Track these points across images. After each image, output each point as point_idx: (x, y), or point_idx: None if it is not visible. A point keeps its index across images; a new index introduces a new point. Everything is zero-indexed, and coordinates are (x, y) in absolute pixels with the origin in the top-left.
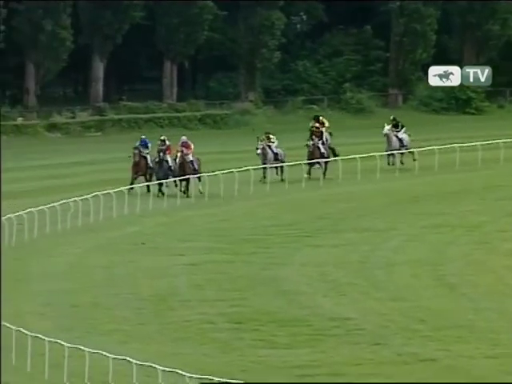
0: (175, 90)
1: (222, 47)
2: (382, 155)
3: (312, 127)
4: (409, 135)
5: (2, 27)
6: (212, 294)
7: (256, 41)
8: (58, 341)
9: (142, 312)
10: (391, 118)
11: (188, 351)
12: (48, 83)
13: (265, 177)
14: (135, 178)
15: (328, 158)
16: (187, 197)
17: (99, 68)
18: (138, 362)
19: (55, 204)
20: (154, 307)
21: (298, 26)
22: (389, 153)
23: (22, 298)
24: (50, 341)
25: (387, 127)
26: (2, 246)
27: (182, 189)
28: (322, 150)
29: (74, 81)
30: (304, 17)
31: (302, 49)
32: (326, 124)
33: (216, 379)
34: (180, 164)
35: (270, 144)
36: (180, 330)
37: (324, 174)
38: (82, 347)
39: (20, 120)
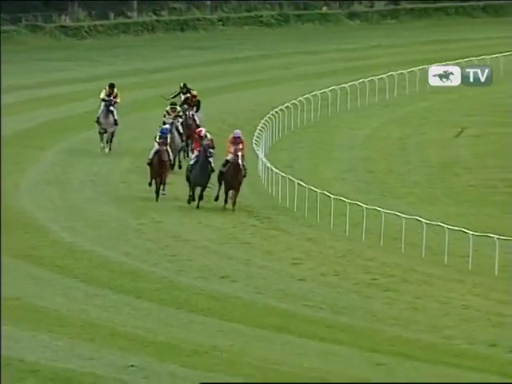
0: None
1: None
2: None
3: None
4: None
5: None
6: (492, 161)
7: None
8: (357, 202)
9: (431, 177)
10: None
11: (471, 212)
12: None
13: None
14: (155, 181)
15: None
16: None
17: None
18: (427, 222)
19: (355, 82)
20: (441, 173)
21: None
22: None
23: (326, 165)
24: (350, 202)
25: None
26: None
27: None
28: (198, 122)
29: None
30: None
31: None
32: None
33: (496, 236)
34: (235, 167)
35: None
36: (464, 193)
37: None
38: (379, 208)
39: (324, 9)
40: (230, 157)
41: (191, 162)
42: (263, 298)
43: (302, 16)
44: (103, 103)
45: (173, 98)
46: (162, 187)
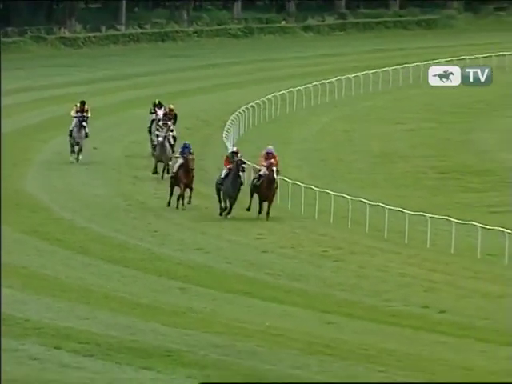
0: None
1: None
2: None
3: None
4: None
5: None
6: (424, 152)
7: None
8: (311, 186)
9: (373, 165)
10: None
11: (407, 194)
12: None
13: None
14: (180, 188)
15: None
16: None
17: None
18: (369, 202)
19: (309, 85)
20: (382, 161)
21: None
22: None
23: (285, 154)
24: (305, 186)
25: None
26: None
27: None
28: (174, 133)
29: None
30: None
31: None
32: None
33: (427, 215)
34: (269, 180)
35: None
36: (401, 178)
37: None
38: (329, 191)
39: (283, 23)
40: (262, 171)
41: (222, 176)
42: (232, 267)
43: (264, 29)
44: (76, 119)
45: (152, 113)
46: (188, 197)
